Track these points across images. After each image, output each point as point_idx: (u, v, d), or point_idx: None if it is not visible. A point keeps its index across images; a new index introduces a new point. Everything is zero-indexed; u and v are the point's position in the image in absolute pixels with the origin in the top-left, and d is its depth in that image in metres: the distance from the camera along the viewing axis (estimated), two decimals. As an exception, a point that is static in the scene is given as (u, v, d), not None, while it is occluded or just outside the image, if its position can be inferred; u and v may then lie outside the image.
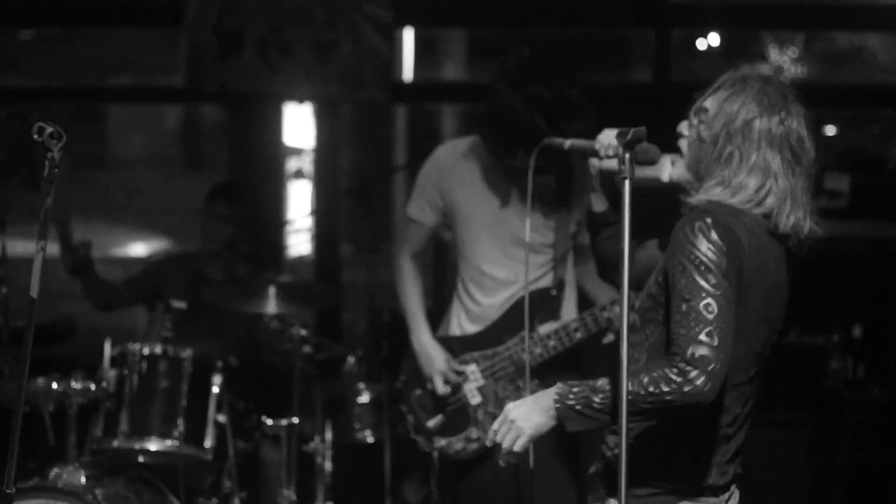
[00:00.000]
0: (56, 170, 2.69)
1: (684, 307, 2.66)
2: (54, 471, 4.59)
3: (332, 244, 7.19)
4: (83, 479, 4.53)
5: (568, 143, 3.09)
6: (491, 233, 4.08)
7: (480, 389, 4.05)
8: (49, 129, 2.69)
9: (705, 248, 2.68)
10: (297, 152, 9.58)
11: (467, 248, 4.13)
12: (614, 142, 2.91)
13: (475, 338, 4.13)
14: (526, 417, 2.79)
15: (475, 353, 4.10)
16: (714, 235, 2.69)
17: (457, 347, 4.15)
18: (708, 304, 2.65)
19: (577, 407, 2.72)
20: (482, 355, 4.08)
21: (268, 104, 7.15)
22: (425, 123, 10.82)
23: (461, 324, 4.21)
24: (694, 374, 2.60)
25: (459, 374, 4.09)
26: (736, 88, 2.85)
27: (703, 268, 2.67)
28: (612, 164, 2.98)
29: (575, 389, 2.73)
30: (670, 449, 2.81)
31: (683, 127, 2.93)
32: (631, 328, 2.71)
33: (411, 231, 4.27)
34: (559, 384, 2.78)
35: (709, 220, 2.71)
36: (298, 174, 9.75)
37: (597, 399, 2.70)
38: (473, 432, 4.09)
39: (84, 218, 12.76)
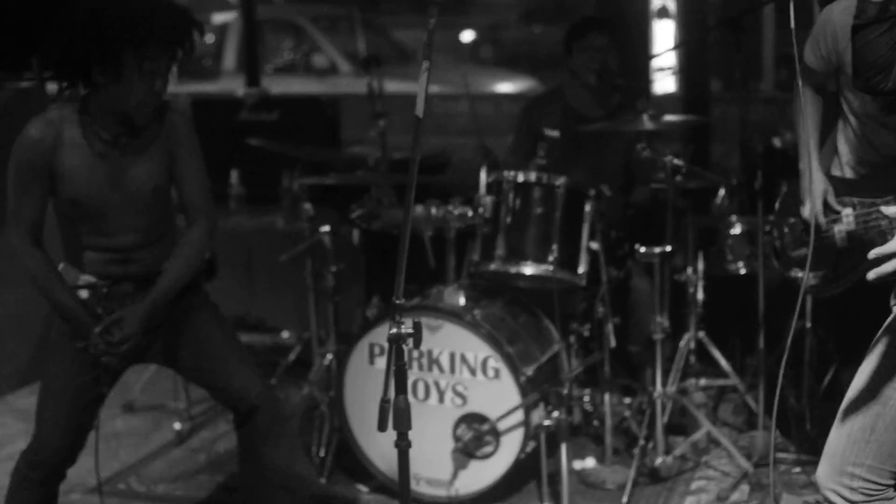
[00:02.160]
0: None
1: None
2: (435, 291, 4.77)
3: (701, 80, 7.05)
4: (462, 300, 4.68)
5: None
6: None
7: (850, 235, 3.91)
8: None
9: None
10: (661, -10, 9.45)
11: (858, 105, 3.91)
12: None
13: (859, 182, 3.95)
14: None
15: (854, 199, 3.93)
16: None
17: (839, 187, 4.00)
18: None
19: None
20: (861, 202, 3.90)
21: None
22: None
23: (847, 163, 4.02)
24: None
25: (835, 213, 3.95)
26: None
27: None
28: None
29: None
30: None
31: None
32: None
33: (807, 74, 4.10)
34: None
35: None
36: (662, 13, 9.61)
37: None
38: (831, 273, 3.96)
39: (453, 59, 13.14)
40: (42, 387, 3.76)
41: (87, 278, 3.67)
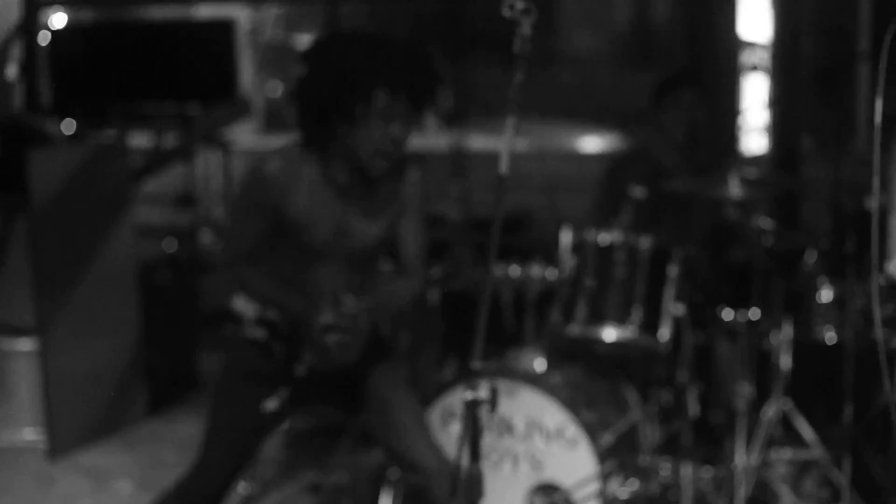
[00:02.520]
0: (527, 46, 2.68)
1: None
2: (513, 355, 4.67)
3: (792, 137, 6.89)
4: (540, 364, 4.59)
5: None
6: None
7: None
8: (521, 5, 2.68)
9: None
10: (752, 45, 9.31)
11: None
12: None
13: None
14: None
15: None
16: None
17: None
18: None
19: None
20: None
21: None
22: (891, 8, 10.13)
23: None
24: None
25: None
26: None
27: None
28: None
29: None
30: None
31: None
32: None
33: None
34: None
35: None
36: (753, 68, 9.47)
37: None
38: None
39: (538, 115, 13.10)
40: (211, 425, 3.70)
41: (272, 316, 3.61)
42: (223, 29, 7.66)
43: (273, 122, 11.83)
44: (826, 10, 8.89)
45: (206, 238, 8.02)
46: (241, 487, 5.18)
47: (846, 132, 6.67)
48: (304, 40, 14.81)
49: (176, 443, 5.92)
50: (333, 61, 3.40)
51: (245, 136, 9.45)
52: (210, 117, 7.61)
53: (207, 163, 8.29)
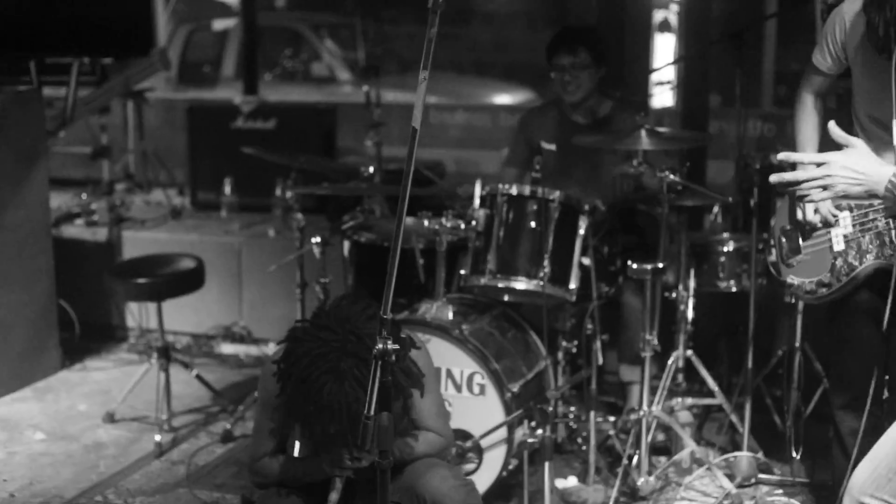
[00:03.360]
0: (440, 3, 2.69)
1: None
2: (423, 305, 4.73)
3: (700, 94, 7.01)
4: (450, 315, 4.65)
5: None
6: (879, 82, 3.80)
7: (846, 238, 3.88)
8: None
9: None
10: (664, 4, 9.42)
11: (860, 99, 3.90)
12: None
13: None
14: (848, 179, 3.05)
15: (852, 202, 3.91)
16: None
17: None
18: None
19: None
20: (858, 205, 3.89)
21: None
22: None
23: None
24: None
25: (833, 216, 3.93)
26: None
27: None
28: None
29: None
30: None
31: None
32: None
33: (813, 76, 4.09)
34: None
35: None
36: (664, 26, 9.58)
37: None
38: (826, 277, 3.93)
39: (454, 70, 13.14)
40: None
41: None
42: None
43: (187, 74, 11.74)
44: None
45: (120, 189, 7.99)
46: (157, 437, 5.22)
47: (753, 90, 6.81)
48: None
49: (88, 394, 5.94)
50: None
51: (159, 87, 9.38)
52: (127, 69, 7.57)
53: (122, 114, 8.24)
